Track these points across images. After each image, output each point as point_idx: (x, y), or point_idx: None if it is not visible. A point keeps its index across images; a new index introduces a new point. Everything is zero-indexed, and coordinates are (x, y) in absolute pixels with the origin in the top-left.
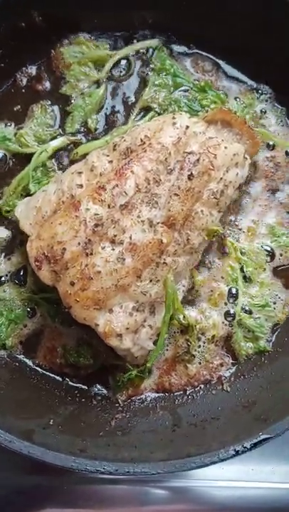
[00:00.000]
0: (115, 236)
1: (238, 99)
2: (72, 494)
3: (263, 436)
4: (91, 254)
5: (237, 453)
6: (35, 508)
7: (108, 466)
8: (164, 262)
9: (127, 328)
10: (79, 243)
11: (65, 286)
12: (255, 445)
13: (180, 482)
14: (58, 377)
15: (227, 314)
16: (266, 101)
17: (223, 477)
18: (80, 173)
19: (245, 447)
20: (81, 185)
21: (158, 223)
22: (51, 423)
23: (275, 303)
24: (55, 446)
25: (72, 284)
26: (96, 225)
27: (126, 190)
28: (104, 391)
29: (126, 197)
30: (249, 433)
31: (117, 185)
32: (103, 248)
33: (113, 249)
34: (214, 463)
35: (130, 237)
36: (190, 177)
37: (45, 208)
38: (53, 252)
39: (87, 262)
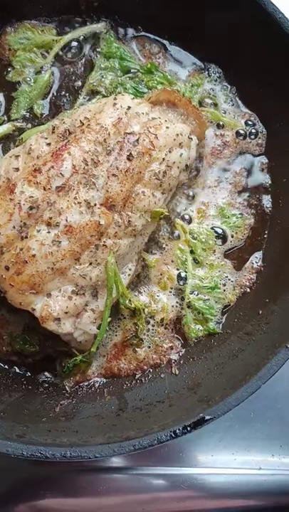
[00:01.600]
0: (51, 218)
1: (186, 80)
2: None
3: (202, 415)
4: (26, 237)
5: (176, 434)
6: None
7: (44, 450)
8: (103, 245)
9: (66, 312)
10: (14, 227)
11: (0, 271)
12: (194, 426)
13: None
14: (4, 366)
15: (176, 297)
16: (215, 80)
17: (182, 463)
18: (17, 156)
19: (184, 429)
20: (17, 169)
21: (96, 205)
22: None
23: (224, 285)
24: None
25: (7, 268)
26: (31, 208)
27: (62, 171)
28: (52, 378)
29: (62, 178)
30: (191, 415)
31: (53, 167)
32: (38, 231)
33: (49, 232)
34: (152, 445)
35: (66, 219)
36: (129, 157)
37: None
38: None
39: (22, 246)
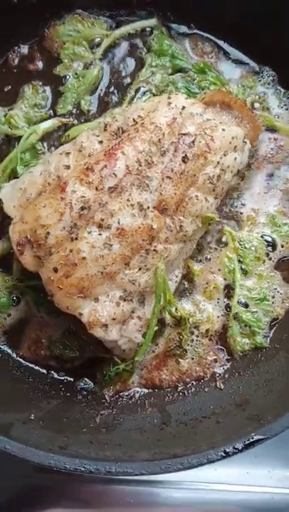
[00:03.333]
0: (102, 220)
1: (239, 82)
2: (78, 494)
3: (256, 437)
4: (76, 239)
5: (227, 454)
6: (41, 508)
7: (88, 464)
8: (154, 250)
9: (114, 319)
10: (64, 227)
11: (48, 272)
12: (247, 446)
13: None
14: (42, 370)
15: (223, 307)
16: (268, 84)
17: (217, 479)
18: (68, 153)
19: (236, 448)
20: (68, 167)
21: (149, 208)
22: (32, 417)
23: (273, 297)
24: (35, 442)
25: (56, 270)
26: (82, 208)
27: (115, 171)
28: (91, 385)
29: (115, 179)
30: (242, 433)
31: (106, 167)
32: (89, 233)
33: (100, 234)
34: (202, 464)
35: (118, 222)
36: (184, 159)
37: (30, 189)
38: (36, 236)
39: (72, 248)
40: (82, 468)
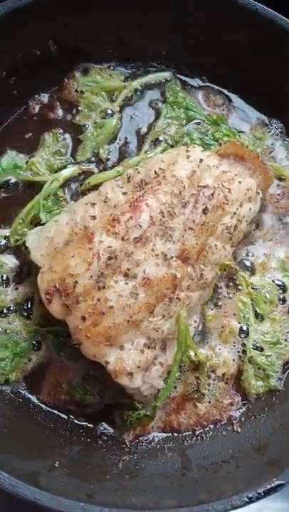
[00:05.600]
0: (129, 270)
1: (249, 134)
2: None
3: (277, 482)
4: (103, 287)
5: (250, 500)
6: None
7: None
8: (177, 298)
9: (138, 367)
10: (91, 276)
11: (75, 320)
12: (268, 492)
13: None
14: (62, 415)
15: (238, 351)
16: (277, 135)
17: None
18: (93, 204)
19: (259, 494)
20: (94, 217)
21: (172, 257)
22: (56, 465)
23: (286, 340)
24: (62, 490)
25: (84, 318)
26: (109, 258)
27: (140, 222)
28: (111, 430)
29: (140, 230)
30: (262, 478)
31: (131, 218)
32: (116, 282)
33: (126, 284)
34: (227, 510)
35: (144, 271)
36: (205, 211)
37: (57, 239)
38: (64, 285)
39: (100, 296)
40: None
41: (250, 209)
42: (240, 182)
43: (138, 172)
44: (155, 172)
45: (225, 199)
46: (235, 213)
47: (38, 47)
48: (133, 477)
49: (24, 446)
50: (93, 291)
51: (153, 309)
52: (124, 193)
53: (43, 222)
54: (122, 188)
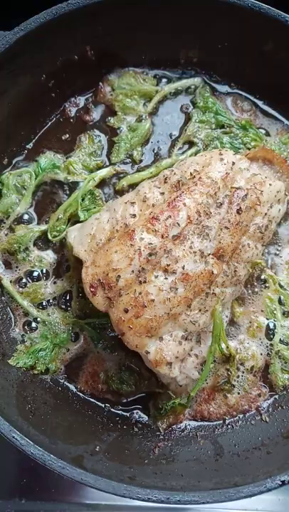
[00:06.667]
0: (168, 266)
1: (275, 138)
2: None
3: None
4: (144, 282)
5: (283, 483)
6: None
7: (159, 494)
8: (213, 293)
9: (176, 357)
10: (133, 271)
11: (118, 312)
12: None
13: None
14: (99, 403)
15: (265, 345)
16: None
17: (251, 507)
18: (132, 203)
19: None
20: (134, 215)
21: (209, 254)
22: (97, 449)
23: None
24: (105, 473)
25: (126, 311)
26: (150, 254)
27: (178, 221)
28: (145, 418)
29: (178, 228)
30: None
31: (170, 216)
32: (156, 277)
33: (166, 278)
34: (262, 492)
35: (183, 267)
36: (239, 211)
37: (99, 235)
38: (107, 279)
39: (141, 290)
40: (154, 498)
41: (279, 210)
42: (270, 184)
43: (174, 173)
44: (190, 174)
45: (257, 200)
46: (266, 214)
47: (76, 52)
48: (169, 462)
49: (66, 431)
50: (135, 285)
51: (190, 303)
52: (162, 193)
53: (81, 219)
54: (159, 188)
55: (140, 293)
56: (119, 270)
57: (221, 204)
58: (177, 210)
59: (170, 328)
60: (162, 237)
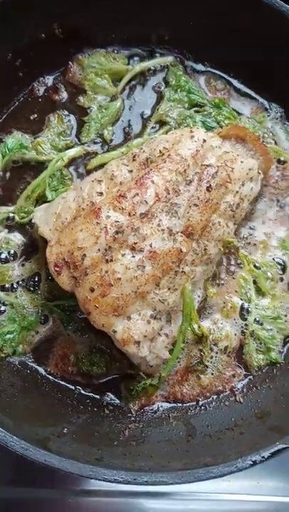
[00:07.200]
0: (135, 244)
1: (249, 117)
2: (94, 508)
3: (280, 446)
4: (111, 260)
5: (254, 463)
6: None
7: (126, 475)
8: (182, 271)
9: (145, 336)
10: (99, 249)
11: (84, 292)
12: (272, 454)
13: (184, 496)
14: (69, 386)
15: (239, 326)
16: (276, 119)
17: (229, 490)
18: (99, 181)
19: (262, 457)
20: (101, 193)
21: (177, 232)
22: (65, 431)
23: (286, 315)
24: (71, 454)
25: (92, 290)
26: (116, 232)
27: (146, 198)
28: (117, 400)
29: (146, 205)
30: (266, 443)
31: (137, 194)
32: (123, 255)
33: (133, 257)
34: (232, 472)
35: (150, 245)
36: (209, 189)
37: (64, 214)
38: (73, 258)
39: (107, 269)
40: (120, 479)
41: (251, 188)
42: (242, 162)
43: (143, 151)
44: (160, 151)
45: (228, 177)
46: (237, 192)
47: (43, 30)
48: (140, 444)
49: (33, 414)
50: (101, 263)
51: (159, 282)
52: (130, 171)
53: (48, 199)
54: (127, 166)
55: (107, 271)
56: (84, 249)
57: (191, 181)
58: (145, 187)
59: (138, 307)
60: (129, 215)
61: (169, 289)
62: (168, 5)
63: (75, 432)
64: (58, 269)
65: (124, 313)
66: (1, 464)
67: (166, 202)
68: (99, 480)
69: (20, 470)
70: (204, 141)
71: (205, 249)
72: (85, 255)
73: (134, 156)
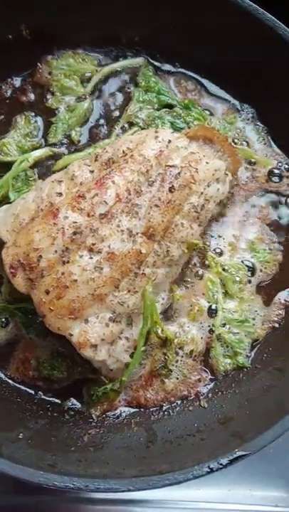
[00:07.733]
0: (94, 245)
1: (220, 118)
2: None
3: (238, 453)
4: (68, 262)
5: (212, 470)
6: None
7: (78, 481)
8: (142, 273)
9: (103, 340)
10: (56, 251)
11: (39, 294)
12: (230, 462)
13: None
14: (30, 390)
15: (206, 329)
16: (248, 120)
17: (200, 498)
18: (60, 181)
19: (220, 464)
20: (60, 194)
21: (137, 233)
22: (20, 437)
23: (254, 319)
24: (24, 460)
25: (47, 292)
26: (74, 233)
27: (106, 199)
28: (78, 405)
29: (106, 206)
30: (225, 450)
31: (97, 194)
32: (81, 256)
33: (91, 258)
34: (188, 480)
35: (109, 246)
36: (171, 189)
37: (23, 215)
38: (28, 260)
39: (64, 270)
40: (72, 486)
41: (218, 190)
42: (207, 162)
43: (106, 151)
44: (123, 151)
45: (192, 178)
46: (202, 193)
47: (10, 31)
48: (97, 449)
49: None
50: (57, 265)
51: (118, 284)
52: (92, 172)
53: (11, 200)
54: (89, 166)
55: (63, 273)
56: (40, 250)
57: (153, 182)
58: (105, 188)
59: (96, 309)
60: (88, 215)
61: (128, 291)
62: (136, 5)
63: (31, 437)
64: (13, 270)
65: (80, 316)
66: None
67: (127, 203)
68: (50, 487)
69: None
70: (169, 141)
71: (167, 251)
72: (41, 256)
73: (96, 157)
